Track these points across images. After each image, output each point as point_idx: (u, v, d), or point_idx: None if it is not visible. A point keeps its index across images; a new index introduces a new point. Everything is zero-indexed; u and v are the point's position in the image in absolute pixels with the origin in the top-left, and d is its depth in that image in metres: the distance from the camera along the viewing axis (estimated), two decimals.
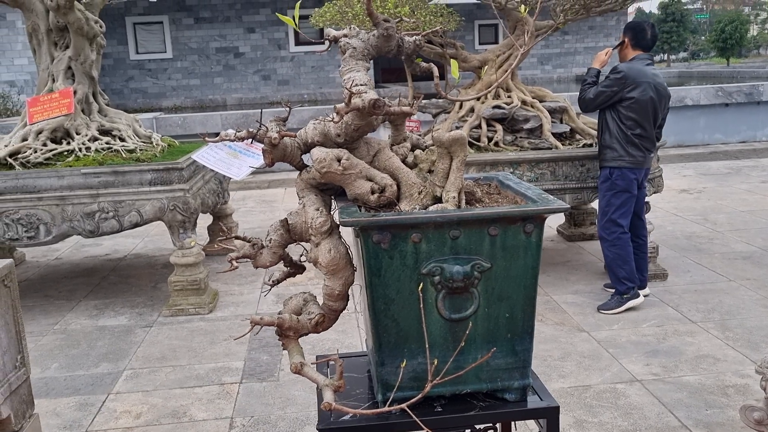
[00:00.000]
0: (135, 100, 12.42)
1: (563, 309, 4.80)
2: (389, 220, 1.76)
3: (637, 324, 4.50)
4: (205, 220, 6.25)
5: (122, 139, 5.14)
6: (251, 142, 2.27)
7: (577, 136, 5.32)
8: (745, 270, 5.43)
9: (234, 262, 1.89)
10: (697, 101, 11.19)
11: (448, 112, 5.29)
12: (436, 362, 1.84)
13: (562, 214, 6.18)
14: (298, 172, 2.10)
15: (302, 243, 2.02)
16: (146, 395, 3.88)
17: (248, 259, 2.00)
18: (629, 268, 4.66)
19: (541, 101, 5.31)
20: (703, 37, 42.90)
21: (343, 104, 1.81)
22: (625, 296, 4.68)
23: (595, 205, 6.16)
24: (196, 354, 4.31)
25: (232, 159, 3.37)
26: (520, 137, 5.10)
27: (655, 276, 5.19)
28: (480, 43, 16.53)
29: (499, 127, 5.11)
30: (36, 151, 4.84)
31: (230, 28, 12.07)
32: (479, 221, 1.82)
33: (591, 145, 5.19)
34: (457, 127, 5.13)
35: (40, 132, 4.93)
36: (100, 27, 5.20)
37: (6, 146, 4.89)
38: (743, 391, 3.61)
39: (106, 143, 5.01)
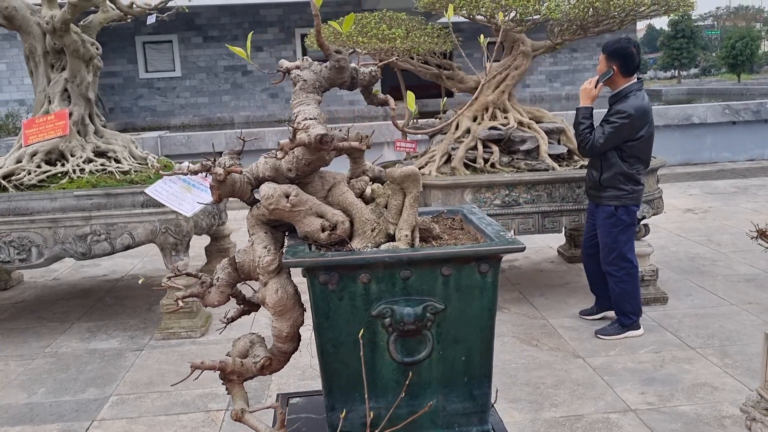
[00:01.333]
0: (144, 118, 12.47)
1: (559, 334, 4.67)
2: (335, 261, 1.67)
3: (635, 350, 4.36)
4: (203, 241, 6.20)
5: (117, 161, 5.10)
6: (206, 176, 2.20)
7: (575, 157, 5.20)
8: (747, 293, 5.26)
9: (180, 302, 1.82)
10: (704, 119, 10.98)
11: (445, 133, 5.21)
12: (392, 409, 1.75)
13: (563, 234, 6.06)
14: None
15: (250, 282, 1.95)
16: (130, 423, 3.81)
17: (196, 298, 1.93)
18: (636, 303, 4.51)
19: (538, 122, 5.20)
20: (714, 54, 42.42)
21: (287, 140, 1.73)
22: (625, 327, 4.55)
23: None
24: (186, 382, 4.22)
25: (185, 193, 3.30)
26: (517, 158, 4.99)
27: (655, 300, 5.04)
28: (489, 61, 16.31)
29: (495, 148, 5.01)
30: (30, 173, 4.82)
31: (238, 47, 12.13)
32: (431, 261, 1.72)
33: None
34: (453, 149, 5.04)
35: (34, 154, 4.91)
36: (97, 49, 5.18)
37: (0, 168, 4.87)
38: (740, 422, 3.46)
39: (101, 165, 4.98)
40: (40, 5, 4.92)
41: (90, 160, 5.00)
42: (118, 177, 4.85)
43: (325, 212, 1.86)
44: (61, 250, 4.68)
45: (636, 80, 4.30)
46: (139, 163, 5.18)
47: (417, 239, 1.86)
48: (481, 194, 4.77)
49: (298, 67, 1.98)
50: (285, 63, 2.01)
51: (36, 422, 3.86)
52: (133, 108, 12.64)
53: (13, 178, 4.79)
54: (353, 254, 1.74)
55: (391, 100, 1.95)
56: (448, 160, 5.06)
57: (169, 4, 5.35)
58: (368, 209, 1.92)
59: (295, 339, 1.85)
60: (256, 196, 1.93)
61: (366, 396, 1.69)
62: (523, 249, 1.70)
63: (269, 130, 8.29)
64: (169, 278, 1.96)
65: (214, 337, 4.74)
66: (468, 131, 5.12)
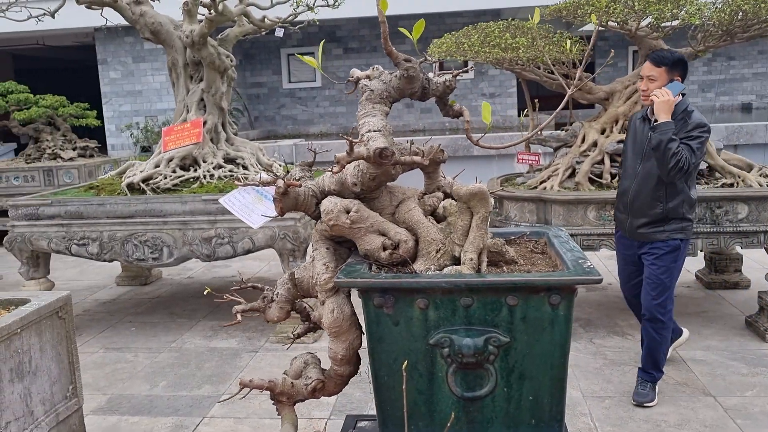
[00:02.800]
0: (285, 126, 12.92)
1: (689, 367, 4.21)
2: (390, 283, 1.53)
3: None
4: None
5: (245, 167, 5.26)
6: None
7: (716, 174, 4.70)
8: None
9: (239, 315, 1.76)
10: None
11: (570, 146, 4.89)
12: None
13: (702, 256, 5.51)
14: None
15: (308, 299, 1.85)
16: (237, 423, 3.86)
17: (257, 312, 1.86)
18: (665, 356, 3.91)
19: None
20: None
21: (343, 153, 1.62)
22: (655, 383, 3.87)
23: (739, 250, 5.45)
24: None
25: (256, 204, 3.26)
26: None
27: None
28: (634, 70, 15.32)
29: None
30: (165, 178, 5.06)
31: (376, 58, 12.21)
32: (494, 289, 1.54)
33: (732, 185, 4.57)
34: (578, 163, 4.72)
35: (171, 159, 5.16)
36: (231, 61, 5.37)
37: (141, 172, 5.16)
38: None
39: (229, 171, 5.15)
40: (182, 21, 5.18)
41: (220, 166, 5.18)
42: (243, 183, 4.99)
43: (387, 230, 1.73)
44: (188, 251, 4.87)
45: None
46: (265, 170, 5.31)
47: (484, 263, 1.68)
48: (606, 212, 4.41)
49: (368, 77, 1.87)
50: (356, 72, 1.90)
51: (153, 414, 4.01)
52: (276, 117, 13.13)
53: (151, 181, 5.06)
54: (409, 277, 1.60)
55: (466, 112, 1.78)
56: (573, 174, 4.74)
57: (300, 17, 5.45)
58: (436, 229, 1.77)
59: (352, 362, 1.74)
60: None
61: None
62: (599, 281, 1.48)
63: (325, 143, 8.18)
64: (233, 290, 1.92)
65: (326, 344, 4.74)
66: (595, 144, 4.77)
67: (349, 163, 1.66)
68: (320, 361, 1.87)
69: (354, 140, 1.62)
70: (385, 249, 1.72)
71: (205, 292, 2.39)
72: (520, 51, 4.55)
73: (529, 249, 1.89)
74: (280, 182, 1.70)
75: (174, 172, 5.12)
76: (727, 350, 4.41)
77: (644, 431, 3.55)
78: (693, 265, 5.86)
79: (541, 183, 4.83)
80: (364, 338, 1.74)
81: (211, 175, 5.10)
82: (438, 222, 1.80)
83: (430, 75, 1.85)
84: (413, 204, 1.82)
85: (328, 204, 1.70)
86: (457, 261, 1.72)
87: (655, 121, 3.46)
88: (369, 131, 1.71)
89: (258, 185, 1.86)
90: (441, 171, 1.88)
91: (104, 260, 4.96)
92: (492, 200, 1.69)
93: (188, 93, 5.38)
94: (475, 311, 1.59)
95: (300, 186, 1.75)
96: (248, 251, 4.81)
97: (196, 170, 5.16)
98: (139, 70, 11.27)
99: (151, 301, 5.77)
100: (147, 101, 11.15)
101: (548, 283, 1.55)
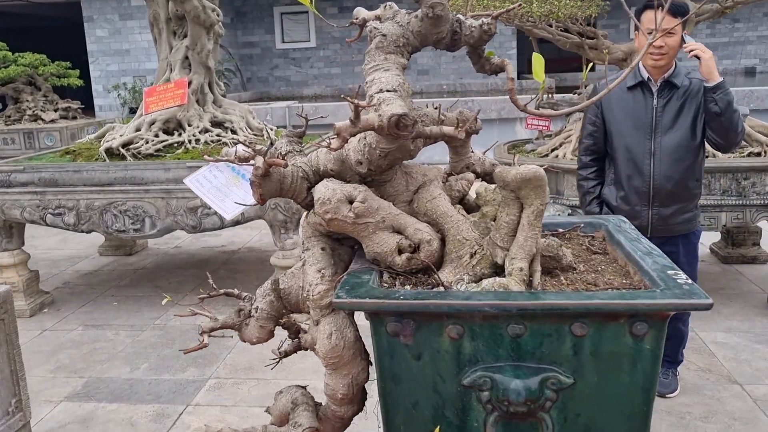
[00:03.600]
0: (279, 88, 12.20)
1: (711, 351, 3.76)
2: (409, 305, 1.04)
3: None
4: None
5: (234, 132, 4.71)
6: None
7: (742, 143, 4.21)
8: None
9: (205, 336, 1.29)
10: None
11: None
12: None
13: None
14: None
15: (298, 315, 1.36)
16: (224, 411, 3.41)
17: (233, 330, 1.39)
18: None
19: None
20: None
21: (346, 122, 1.11)
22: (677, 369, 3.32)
23: (761, 225, 5.00)
24: (284, 368, 3.75)
25: (231, 187, 2.70)
26: None
27: None
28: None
29: None
30: (147, 142, 4.51)
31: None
32: (557, 315, 1.06)
33: (759, 154, 4.09)
34: None
35: (153, 123, 4.59)
36: (218, 16, 4.77)
37: (121, 136, 4.61)
38: None
39: (217, 135, 4.61)
40: None
41: (206, 130, 4.63)
42: (215, 159, 4.47)
43: (404, 226, 1.22)
44: (172, 222, 4.35)
45: None
46: (255, 135, 4.77)
47: (537, 275, 1.17)
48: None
49: (377, 18, 1.34)
50: (362, 12, 1.37)
51: (133, 401, 3.55)
52: (269, 78, 12.38)
53: (132, 146, 4.50)
54: (437, 297, 1.11)
55: (509, 66, 1.27)
56: None
57: None
58: (468, 223, 1.26)
59: (356, 400, 1.25)
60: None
61: None
62: (709, 305, 1.01)
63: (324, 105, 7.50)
64: (202, 299, 1.44)
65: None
66: None
67: (354, 135, 1.15)
68: (313, 400, 1.39)
69: (361, 103, 1.11)
70: (401, 252, 1.21)
71: (163, 302, 1.90)
72: (534, 5, 4.00)
73: (584, 247, 1.40)
74: (259, 160, 1.20)
75: (156, 136, 4.57)
76: (750, 332, 3.97)
77: (667, 425, 3.12)
78: (708, 237, 5.40)
79: (553, 150, 4.33)
80: (372, 368, 1.27)
81: (197, 140, 4.55)
82: (468, 212, 1.32)
83: (460, 17, 1.34)
84: (437, 190, 1.30)
85: (325, 191, 1.19)
86: (497, 269, 1.23)
87: (694, 82, 2.77)
88: (381, 91, 1.19)
89: (234, 162, 1.36)
90: (470, 145, 1.38)
91: (82, 231, 4.45)
92: (548, 188, 1.21)
93: (171, 50, 4.78)
94: (528, 343, 1.10)
95: (285, 165, 1.24)
96: (236, 223, 4.30)
97: (180, 134, 4.60)
98: (127, 28, 10.52)
99: (135, 273, 5.28)
100: (135, 60, 10.42)
101: (634, 308, 1.07)
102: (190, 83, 4.70)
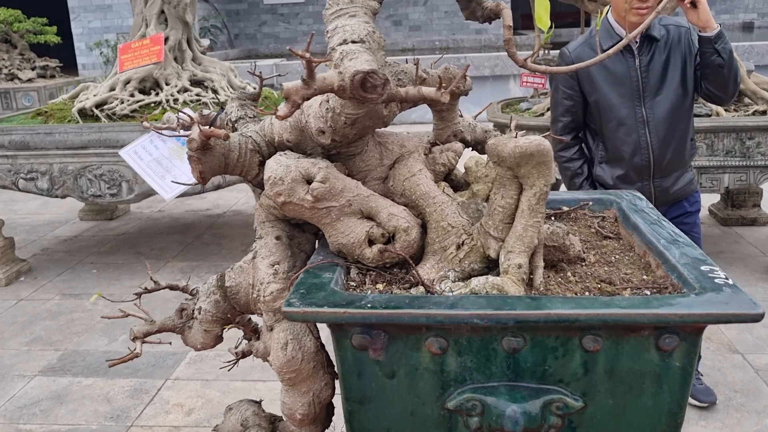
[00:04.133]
0: (267, 45, 11.68)
1: None
2: (377, 315, 0.81)
3: None
4: None
5: (215, 91, 4.42)
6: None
7: (746, 100, 3.92)
8: None
9: (138, 344, 1.05)
10: None
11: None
12: None
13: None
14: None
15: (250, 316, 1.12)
16: (204, 386, 3.20)
17: (174, 332, 1.16)
18: None
19: None
20: None
21: (297, 82, 0.85)
22: None
23: (763, 186, 4.75)
24: None
25: (173, 161, 2.37)
26: None
27: None
28: None
29: None
30: (122, 102, 4.20)
31: None
32: (564, 327, 0.82)
33: (764, 112, 3.82)
34: None
35: (128, 82, 4.27)
36: None
37: (95, 96, 4.31)
38: None
39: (196, 95, 4.31)
40: None
41: (185, 90, 4.31)
42: (212, 109, 4.17)
43: (376, 210, 0.96)
44: (150, 186, 4.10)
45: None
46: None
47: (539, 272, 0.92)
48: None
49: None
50: None
51: (109, 375, 3.33)
52: (257, 35, 11.81)
53: (106, 107, 4.19)
54: (412, 305, 0.86)
55: (506, 10, 1.00)
56: None
57: None
58: (455, 206, 1.00)
59: (319, 420, 1.01)
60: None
61: None
62: (760, 316, 0.78)
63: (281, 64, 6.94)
64: (139, 295, 1.20)
65: None
66: None
67: (307, 98, 0.88)
68: (268, 420, 1.15)
69: (314, 60, 0.84)
70: (371, 243, 0.95)
71: (91, 299, 1.66)
72: None
73: (592, 230, 1.15)
74: (195, 130, 0.93)
75: (132, 96, 4.26)
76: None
77: None
78: (707, 198, 5.16)
79: (548, 109, 4.05)
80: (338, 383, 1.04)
81: (175, 100, 4.24)
82: (455, 191, 1.06)
83: None
84: (417, 164, 1.03)
85: (276, 168, 0.92)
86: (490, 262, 0.98)
87: (699, 31, 2.30)
88: (344, 42, 0.91)
89: (176, 130, 1.10)
90: (459, 108, 1.12)
91: (56, 196, 4.17)
92: (554, 166, 0.96)
93: (147, 4, 4.44)
94: (528, 358, 0.86)
95: (226, 137, 0.97)
96: (218, 186, 4.03)
97: (157, 94, 4.29)
98: None
99: (116, 239, 5.02)
100: (118, 17, 9.89)
101: (664, 320, 0.83)
102: (166, 39, 4.37)
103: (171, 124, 1.13)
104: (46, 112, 4.40)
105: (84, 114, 4.20)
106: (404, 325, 0.84)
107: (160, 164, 2.27)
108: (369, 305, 0.84)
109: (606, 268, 1.01)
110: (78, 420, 3.05)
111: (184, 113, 1.01)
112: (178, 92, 4.29)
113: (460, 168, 1.11)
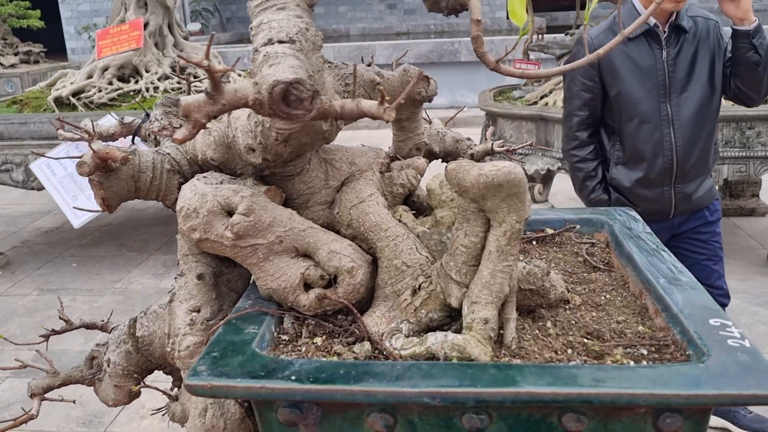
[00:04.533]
0: None
1: None
2: (303, 392, 0.62)
3: None
4: None
5: (197, 77, 4.22)
6: (132, 142, 1.19)
7: None
8: None
9: (36, 401, 0.88)
10: None
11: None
12: None
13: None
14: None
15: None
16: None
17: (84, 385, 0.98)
18: None
19: None
20: None
21: (196, 96, 0.66)
22: None
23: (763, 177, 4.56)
24: None
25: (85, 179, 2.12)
26: None
27: None
28: None
29: None
30: (100, 90, 4.00)
31: None
32: (538, 405, 0.64)
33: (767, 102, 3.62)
34: None
35: (106, 69, 4.06)
36: None
37: (72, 84, 4.10)
38: None
39: (178, 83, 4.11)
40: None
41: (166, 77, 4.11)
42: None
43: (314, 247, 0.76)
44: None
45: None
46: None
47: (512, 325, 0.74)
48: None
49: None
50: None
51: None
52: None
53: (83, 95, 3.99)
54: (347, 379, 0.67)
55: (475, 3, 0.80)
56: None
57: None
58: (411, 240, 0.80)
59: None
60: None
61: None
62: None
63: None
64: (46, 337, 1.01)
65: None
66: None
67: (214, 117, 0.68)
68: None
69: (217, 68, 0.63)
70: (308, 287, 0.77)
71: None
72: None
73: (580, 258, 0.96)
74: (87, 153, 0.73)
75: (110, 84, 4.05)
76: (748, 293, 3.57)
77: None
78: None
79: (542, 98, 3.84)
80: None
81: (155, 88, 4.04)
82: (418, 215, 0.87)
83: None
84: (369, 188, 0.83)
85: (190, 196, 0.72)
86: (453, 310, 0.79)
87: (734, 24, 2.14)
88: (269, 42, 0.72)
89: (90, 141, 0.91)
90: (424, 114, 0.92)
91: (32, 188, 3.98)
92: (530, 197, 0.77)
93: None
94: None
95: (124, 161, 0.76)
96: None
97: (137, 81, 4.09)
98: None
99: (98, 231, 4.83)
100: (107, 0, 9.65)
101: (666, 401, 0.65)
102: (146, 24, 4.15)
103: (87, 131, 0.94)
104: (21, 100, 4.19)
105: (60, 103, 4.00)
106: (336, 402, 0.66)
107: (74, 181, 2.02)
108: (293, 377, 0.65)
109: (594, 314, 0.83)
110: (49, 425, 2.88)
111: (79, 127, 0.83)
112: (159, 80, 4.08)
113: (424, 187, 0.91)
